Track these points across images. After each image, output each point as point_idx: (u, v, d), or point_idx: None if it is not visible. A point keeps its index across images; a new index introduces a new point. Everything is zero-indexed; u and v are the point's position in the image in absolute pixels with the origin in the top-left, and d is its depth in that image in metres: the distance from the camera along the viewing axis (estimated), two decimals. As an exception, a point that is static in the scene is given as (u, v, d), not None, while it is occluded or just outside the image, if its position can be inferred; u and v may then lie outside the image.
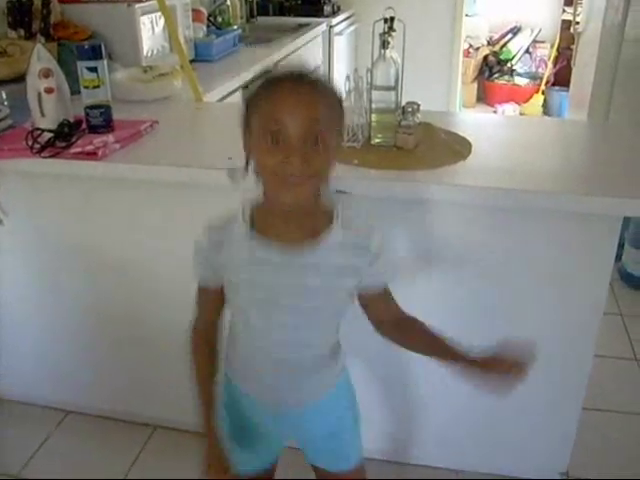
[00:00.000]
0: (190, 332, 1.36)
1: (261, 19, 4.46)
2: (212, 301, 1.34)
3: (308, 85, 1.12)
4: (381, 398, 2.00)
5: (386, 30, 1.68)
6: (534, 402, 1.88)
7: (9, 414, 2.35)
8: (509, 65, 6.54)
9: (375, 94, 1.74)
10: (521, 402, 1.88)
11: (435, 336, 1.32)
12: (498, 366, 1.24)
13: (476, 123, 2.29)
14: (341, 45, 4.54)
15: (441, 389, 1.90)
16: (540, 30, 6.44)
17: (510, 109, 6.22)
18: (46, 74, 1.82)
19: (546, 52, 6.45)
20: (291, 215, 1.18)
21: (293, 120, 1.07)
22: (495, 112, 6.23)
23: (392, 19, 1.68)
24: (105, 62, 1.89)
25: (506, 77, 6.54)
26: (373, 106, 1.75)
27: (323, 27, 4.23)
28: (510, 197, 1.57)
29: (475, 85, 6.55)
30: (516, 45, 6.53)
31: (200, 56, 3.04)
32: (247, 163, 1.19)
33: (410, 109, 1.72)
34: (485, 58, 6.60)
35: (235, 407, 1.42)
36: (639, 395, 2.46)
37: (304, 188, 1.12)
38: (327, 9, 4.51)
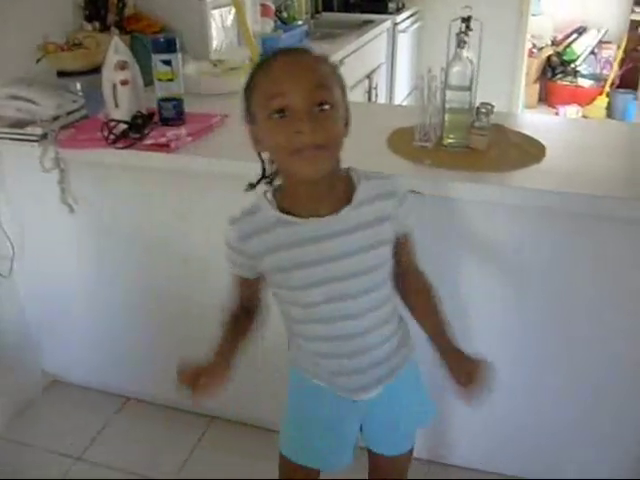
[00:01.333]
0: (226, 309, 1.38)
1: (326, 15, 4.46)
2: (247, 292, 1.36)
3: (303, 54, 1.15)
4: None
5: (463, 29, 1.66)
6: (610, 412, 1.84)
7: (69, 398, 2.40)
8: (573, 66, 6.41)
9: (448, 94, 1.72)
10: (597, 412, 1.85)
11: (436, 310, 1.34)
12: (462, 373, 1.27)
13: (545, 125, 2.25)
14: (405, 43, 4.51)
15: (512, 396, 1.86)
16: (607, 30, 6.29)
17: (573, 111, 6.09)
18: (122, 66, 1.86)
19: (612, 53, 6.30)
20: (316, 189, 1.18)
21: (295, 89, 1.08)
22: (557, 113, 6.11)
23: (469, 18, 1.66)
24: (179, 56, 1.92)
25: (569, 78, 6.41)
26: (447, 106, 1.73)
27: (387, 24, 4.21)
28: (590, 203, 1.54)
29: (537, 85, 6.44)
30: (581, 45, 6.39)
31: (267, 51, 3.04)
32: (262, 162, 1.25)
33: (484, 110, 1.70)
34: (548, 58, 6.49)
35: (304, 400, 1.42)
36: None
37: (321, 159, 1.12)
38: (392, 6, 4.48)
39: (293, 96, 1.08)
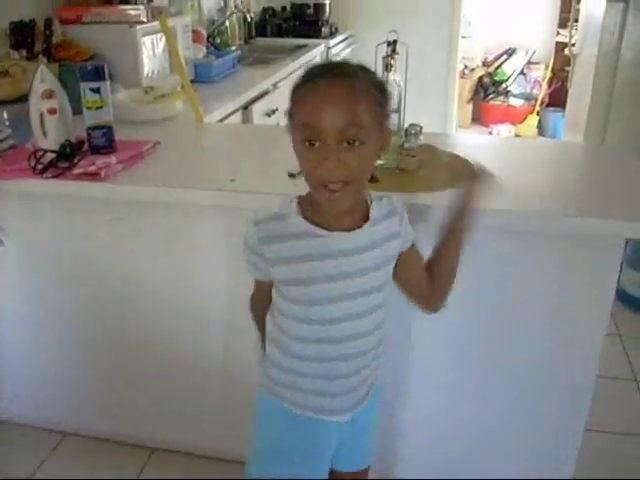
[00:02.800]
0: (250, 304, 1.42)
1: (259, 40, 4.49)
2: (266, 294, 1.34)
3: (343, 85, 1.10)
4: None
5: (389, 53, 1.69)
6: (536, 423, 1.88)
7: (5, 436, 2.31)
8: (504, 86, 6.60)
9: (378, 116, 1.75)
10: (523, 423, 1.89)
11: (440, 253, 1.40)
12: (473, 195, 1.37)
13: (476, 144, 2.30)
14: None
15: (437, 406, 1.90)
16: (534, 52, 6.50)
17: (505, 130, 6.26)
18: (49, 95, 1.83)
19: (540, 73, 6.51)
20: (328, 199, 1.18)
21: (326, 124, 1.08)
22: (490, 133, 6.27)
23: (395, 42, 1.69)
24: (108, 83, 1.89)
25: (501, 98, 6.59)
26: (376, 128, 1.75)
27: (321, 48, 4.26)
28: (515, 219, 1.57)
29: (470, 106, 6.60)
30: (511, 66, 6.59)
31: (200, 77, 3.05)
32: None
33: (413, 131, 1.73)
34: (480, 79, 6.66)
35: (281, 430, 1.38)
36: (639, 416, 2.46)
37: (343, 196, 1.14)
38: (325, 30, 4.54)
39: (323, 130, 1.08)
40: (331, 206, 1.16)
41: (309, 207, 1.23)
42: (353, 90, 1.10)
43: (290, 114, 1.17)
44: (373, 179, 1.37)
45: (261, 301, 1.37)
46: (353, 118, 1.09)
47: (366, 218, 1.24)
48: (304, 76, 1.15)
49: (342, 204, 1.16)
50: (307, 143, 1.10)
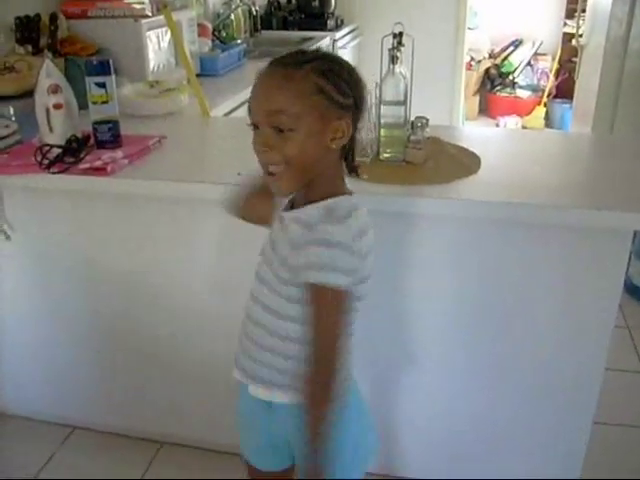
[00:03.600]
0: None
1: (265, 33, 4.47)
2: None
3: (277, 72, 1.12)
4: (377, 407, 1.99)
5: (395, 45, 1.68)
6: (544, 417, 1.88)
7: (14, 430, 2.33)
8: (511, 78, 6.56)
9: (384, 109, 1.74)
10: (531, 417, 1.88)
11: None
12: None
13: (483, 137, 2.29)
14: (345, 59, 4.54)
15: (443, 400, 1.90)
16: (541, 43, 6.46)
17: (512, 122, 6.23)
18: (55, 90, 1.83)
19: (547, 65, 6.47)
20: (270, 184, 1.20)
21: (255, 109, 1.13)
22: (497, 125, 6.24)
23: (401, 34, 1.68)
24: (113, 78, 1.89)
25: (508, 90, 6.56)
26: (382, 121, 1.75)
27: (327, 41, 4.25)
28: (522, 211, 1.57)
29: (477, 98, 6.57)
30: (517, 58, 6.55)
31: (205, 71, 3.05)
32: None
33: (419, 124, 1.72)
34: (487, 71, 6.63)
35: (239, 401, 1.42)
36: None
37: (281, 180, 1.16)
38: (330, 23, 4.53)
39: (255, 115, 1.13)
40: (273, 189, 1.19)
41: None
42: (285, 78, 1.11)
43: None
44: (354, 172, 1.27)
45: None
46: (278, 105, 1.10)
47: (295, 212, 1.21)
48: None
49: (282, 188, 1.18)
50: (252, 127, 1.15)
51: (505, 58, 6.60)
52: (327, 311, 1.14)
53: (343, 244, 1.10)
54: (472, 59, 6.32)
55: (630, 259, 3.06)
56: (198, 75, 2.73)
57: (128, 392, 2.20)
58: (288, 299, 1.20)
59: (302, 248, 1.13)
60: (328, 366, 1.15)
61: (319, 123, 1.13)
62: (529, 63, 6.54)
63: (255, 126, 1.14)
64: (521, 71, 6.53)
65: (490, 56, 6.63)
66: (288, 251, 1.18)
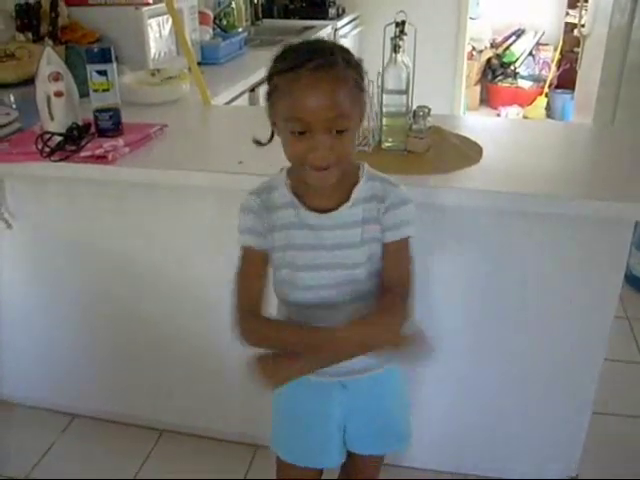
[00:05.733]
0: (235, 314, 1.29)
1: (266, 22, 4.45)
2: (256, 266, 1.32)
3: (328, 76, 1.11)
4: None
5: (397, 34, 1.67)
6: (544, 405, 1.89)
7: (15, 418, 2.34)
8: (512, 68, 6.54)
9: (386, 98, 1.73)
10: (530, 405, 1.89)
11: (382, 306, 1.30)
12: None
13: (484, 127, 2.28)
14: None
15: (441, 388, 1.91)
16: (543, 33, 6.44)
17: (513, 112, 6.21)
18: (56, 77, 1.82)
19: (549, 55, 6.45)
20: (316, 181, 1.21)
21: (314, 118, 1.11)
22: (499, 115, 6.22)
23: (403, 23, 1.68)
24: (114, 65, 1.88)
25: (509, 80, 6.54)
26: (384, 110, 1.74)
27: (328, 30, 4.23)
28: (524, 201, 1.56)
29: (478, 88, 6.55)
30: (519, 48, 6.53)
31: (206, 59, 3.04)
32: (272, 132, 1.26)
33: (421, 113, 1.72)
34: (488, 61, 6.61)
35: (288, 392, 1.37)
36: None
37: (330, 173, 1.18)
38: (332, 12, 4.51)
39: (312, 123, 1.11)
40: (319, 183, 1.20)
41: (296, 181, 1.27)
42: (337, 80, 1.12)
43: (271, 100, 1.18)
44: None
45: (250, 291, 1.31)
46: (341, 110, 1.12)
47: (348, 197, 1.26)
48: (283, 61, 1.15)
49: (329, 181, 1.19)
50: (295, 131, 1.13)
51: (507, 48, 6.57)
52: (411, 256, 1.31)
53: (412, 199, 1.29)
54: (474, 49, 6.29)
55: (630, 250, 3.06)
56: (199, 63, 2.72)
57: (128, 379, 2.21)
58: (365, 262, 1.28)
59: (389, 212, 1.26)
60: (413, 300, 1.28)
61: (361, 114, 1.21)
62: (531, 53, 6.52)
63: (301, 132, 1.13)
64: (523, 61, 6.51)
65: (492, 46, 6.61)
66: (367, 226, 1.26)
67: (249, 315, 1.28)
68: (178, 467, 2.09)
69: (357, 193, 1.26)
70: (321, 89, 1.11)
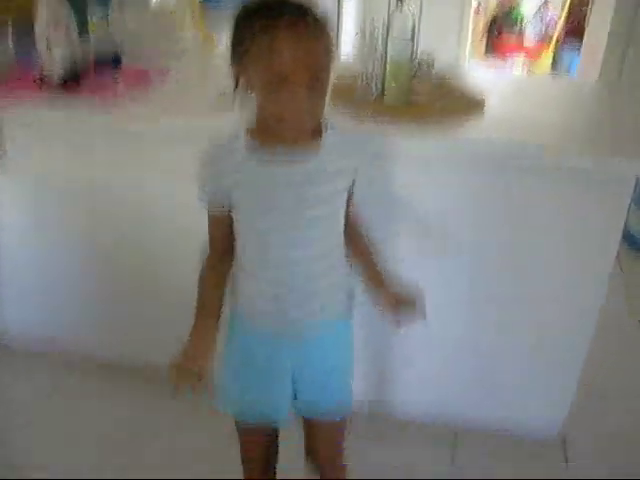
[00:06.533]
0: (202, 263, 1.35)
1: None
2: (221, 226, 1.33)
3: (305, 30, 1.11)
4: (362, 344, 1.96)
5: (404, -19, 1.64)
6: (539, 356, 1.91)
7: (15, 364, 2.34)
8: (519, 25, 6.44)
9: (390, 45, 1.71)
10: (526, 355, 1.92)
11: (370, 259, 1.42)
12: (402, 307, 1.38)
13: (488, 78, 2.26)
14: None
15: (430, 341, 1.91)
16: (552, -13, 6.32)
17: (519, 62, 6.16)
18: (55, 17, 1.80)
19: (557, 12, 6.35)
20: (290, 132, 1.20)
21: (298, 67, 1.10)
22: (503, 66, 6.15)
23: (410, -30, 1.64)
24: (115, 7, 1.86)
25: (515, 37, 6.45)
26: (388, 57, 1.72)
27: (333, -22, 4.14)
28: (524, 151, 1.56)
29: (483, 42, 6.46)
30: (526, 5, 6.42)
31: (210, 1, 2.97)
32: (236, 86, 1.20)
33: (425, 61, 1.70)
34: (494, 17, 6.50)
35: (241, 346, 1.41)
36: (637, 354, 2.49)
37: (306, 119, 1.17)
38: (338, -42, 4.41)
39: (293, 78, 1.10)
40: (292, 135, 1.20)
41: (258, 134, 1.24)
42: (314, 31, 1.12)
43: (243, 53, 1.15)
44: None
45: (218, 252, 1.35)
46: (320, 64, 1.12)
47: (317, 146, 1.24)
48: (254, 13, 1.13)
49: (303, 124, 1.18)
50: (274, 85, 1.12)
51: (514, 5, 6.47)
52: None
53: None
54: (480, 4, 6.19)
55: (630, 206, 3.06)
56: (202, 2, 2.67)
57: (129, 323, 2.21)
58: (332, 215, 1.31)
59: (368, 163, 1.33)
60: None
61: (332, 61, 1.18)
62: (539, 10, 6.41)
63: (278, 85, 1.11)
64: (530, 18, 6.41)
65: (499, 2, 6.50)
66: (338, 178, 1.27)
67: (211, 265, 1.35)
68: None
69: (330, 140, 1.25)
70: (302, 39, 1.10)
